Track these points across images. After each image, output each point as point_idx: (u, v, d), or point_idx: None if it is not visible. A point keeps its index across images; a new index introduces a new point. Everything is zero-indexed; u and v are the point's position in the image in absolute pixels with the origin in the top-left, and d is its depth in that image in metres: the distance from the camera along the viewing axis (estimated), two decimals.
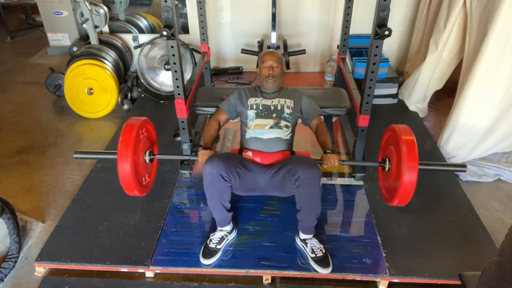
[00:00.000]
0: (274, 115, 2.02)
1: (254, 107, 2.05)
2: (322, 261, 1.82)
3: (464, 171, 1.90)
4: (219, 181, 1.77)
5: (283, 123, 2.01)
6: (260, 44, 3.38)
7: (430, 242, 1.97)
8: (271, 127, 1.99)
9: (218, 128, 2.14)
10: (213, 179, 1.77)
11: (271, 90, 2.10)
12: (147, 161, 2.02)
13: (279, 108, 2.04)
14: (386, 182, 1.99)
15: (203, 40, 3.05)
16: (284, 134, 2.00)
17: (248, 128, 2.04)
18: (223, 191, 1.82)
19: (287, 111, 2.04)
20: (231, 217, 1.95)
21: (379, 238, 1.98)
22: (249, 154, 1.98)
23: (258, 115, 2.03)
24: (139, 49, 3.38)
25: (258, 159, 1.96)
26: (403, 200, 1.80)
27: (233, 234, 1.99)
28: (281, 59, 2.14)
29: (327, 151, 1.96)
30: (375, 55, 1.96)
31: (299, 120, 2.16)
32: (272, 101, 2.06)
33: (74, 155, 1.98)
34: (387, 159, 1.94)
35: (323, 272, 1.80)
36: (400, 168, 1.77)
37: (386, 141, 2.03)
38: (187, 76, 3.29)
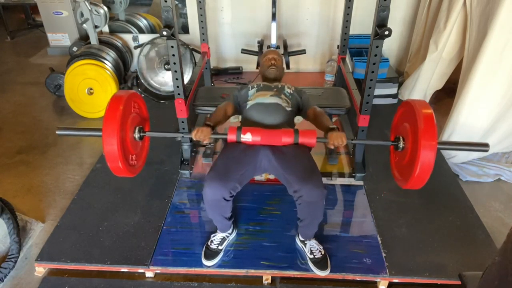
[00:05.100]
0: (275, 89, 2.06)
1: (255, 86, 2.10)
2: (320, 263, 1.82)
3: (486, 150, 1.71)
4: (221, 202, 1.72)
5: (283, 96, 2.02)
6: (260, 44, 3.37)
7: (430, 242, 1.97)
8: (271, 96, 2.00)
9: (225, 114, 2.03)
10: (215, 203, 1.73)
11: (272, 77, 2.16)
12: (137, 138, 1.86)
13: (279, 86, 2.09)
14: (399, 163, 1.84)
15: (203, 40, 3.05)
16: (284, 103, 1.97)
17: (249, 101, 2.03)
18: (225, 207, 1.79)
19: (288, 90, 2.08)
20: (232, 222, 1.94)
21: (379, 238, 1.99)
22: (248, 137, 1.78)
23: (258, 90, 2.07)
24: (139, 49, 3.38)
25: (258, 138, 1.78)
26: (419, 183, 1.64)
27: (233, 235, 1.99)
28: (282, 57, 2.27)
29: (330, 127, 1.78)
30: (375, 55, 1.96)
31: (298, 120, 2.16)
32: (273, 84, 2.12)
33: (57, 131, 1.83)
34: (400, 137, 1.79)
35: (321, 274, 1.80)
36: (416, 146, 1.60)
37: (399, 118, 1.86)
38: (187, 76, 3.30)
